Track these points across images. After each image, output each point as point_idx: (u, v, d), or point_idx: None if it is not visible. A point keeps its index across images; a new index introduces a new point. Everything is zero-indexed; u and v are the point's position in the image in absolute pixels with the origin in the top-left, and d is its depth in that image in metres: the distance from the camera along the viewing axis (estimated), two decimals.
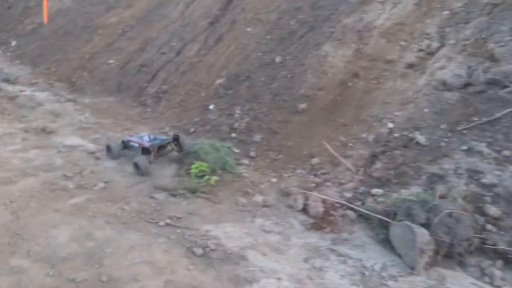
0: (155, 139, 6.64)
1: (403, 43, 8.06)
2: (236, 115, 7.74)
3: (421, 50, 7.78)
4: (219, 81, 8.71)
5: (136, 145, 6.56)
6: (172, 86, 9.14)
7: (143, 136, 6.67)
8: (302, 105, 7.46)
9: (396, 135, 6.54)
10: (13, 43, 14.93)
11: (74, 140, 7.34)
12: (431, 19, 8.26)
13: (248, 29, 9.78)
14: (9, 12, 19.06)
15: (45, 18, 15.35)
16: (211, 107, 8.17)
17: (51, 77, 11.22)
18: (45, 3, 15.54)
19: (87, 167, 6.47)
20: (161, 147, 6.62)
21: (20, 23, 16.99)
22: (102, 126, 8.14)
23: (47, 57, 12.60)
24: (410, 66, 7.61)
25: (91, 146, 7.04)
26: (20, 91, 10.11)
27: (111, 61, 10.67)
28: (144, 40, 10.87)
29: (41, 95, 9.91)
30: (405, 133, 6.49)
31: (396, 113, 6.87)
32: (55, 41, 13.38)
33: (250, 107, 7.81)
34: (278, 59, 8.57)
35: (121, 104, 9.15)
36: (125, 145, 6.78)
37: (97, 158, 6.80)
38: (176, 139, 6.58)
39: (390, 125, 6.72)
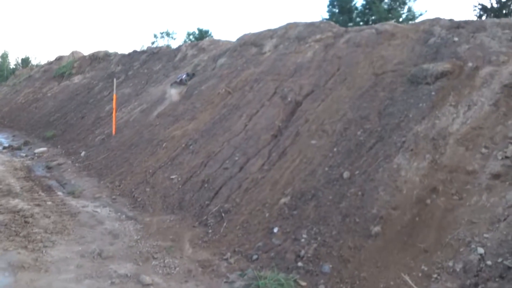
0: None
1: (484, 150, 7.33)
2: (303, 240, 7.08)
3: (506, 157, 6.97)
4: (283, 200, 8.18)
5: None
6: (234, 205, 8.69)
7: None
8: (376, 228, 6.74)
9: (489, 262, 5.61)
10: (83, 153, 15.37)
11: (130, 269, 6.89)
12: None
13: (313, 141, 9.39)
14: (82, 122, 20.07)
15: (113, 129, 15.86)
16: (276, 230, 7.58)
17: (114, 191, 11.16)
18: (114, 114, 16.14)
19: None
20: None
21: (91, 133, 17.70)
22: (160, 249, 7.71)
23: (113, 169, 12.72)
24: (496, 176, 6.78)
25: (147, 278, 6.53)
26: (83, 206, 10.02)
27: (173, 176, 10.50)
28: (207, 154, 10.70)
29: (102, 212, 9.75)
30: (499, 259, 5.56)
31: (485, 235, 5.98)
32: (121, 153, 13.59)
33: (318, 231, 7.15)
34: (346, 174, 8.01)
35: (182, 224, 8.75)
36: None
37: None
38: None
39: (481, 250, 5.80)
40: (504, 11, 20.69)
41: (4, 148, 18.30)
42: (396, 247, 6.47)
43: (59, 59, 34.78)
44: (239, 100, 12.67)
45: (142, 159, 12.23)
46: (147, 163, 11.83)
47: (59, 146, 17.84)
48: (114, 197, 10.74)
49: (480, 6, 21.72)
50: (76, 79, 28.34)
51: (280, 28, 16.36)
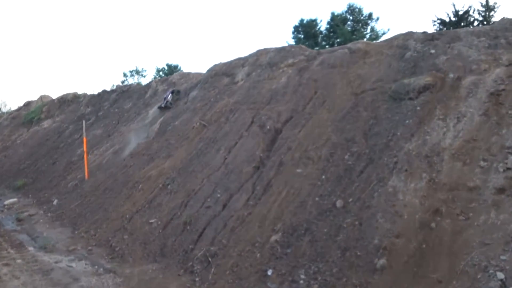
0: None
1: (483, 163, 6.89)
2: (301, 281, 6.47)
3: (508, 168, 6.52)
4: (274, 237, 7.57)
5: None
6: (221, 247, 8.02)
7: None
8: (381, 261, 6.18)
9: None
10: (55, 202, 14.51)
11: None
12: (507, 129, 7.14)
13: (299, 170, 8.85)
14: (53, 168, 19.16)
15: (86, 174, 15.08)
16: (270, 272, 6.94)
17: (90, 241, 10.38)
18: (85, 157, 15.38)
19: None
20: None
21: (63, 179, 16.84)
22: None
23: (87, 217, 11.93)
24: (501, 190, 6.31)
25: None
26: (56, 261, 9.20)
27: (152, 220, 9.80)
28: (187, 193, 10.05)
29: (78, 266, 8.94)
30: None
31: (502, 257, 5.45)
32: (96, 198, 12.83)
33: (317, 269, 6.55)
34: (339, 203, 7.47)
35: (165, 273, 8.03)
36: None
37: None
38: None
39: (500, 275, 5.25)
40: (462, 24, 20.84)
41: None
42: (406, 280, 5.89)
43: (28, 104, 33.78)
44: (215, 133, 12.12)
45: (117, 204, 11.49)
46: (123, 207, 11.10)
47: (30, 196, 16.88)
48: (90, 248, 9.95)
49: (439, 21, 21.88)
50: (46, 123, 27.41)
51: (251, 55, 15.98)
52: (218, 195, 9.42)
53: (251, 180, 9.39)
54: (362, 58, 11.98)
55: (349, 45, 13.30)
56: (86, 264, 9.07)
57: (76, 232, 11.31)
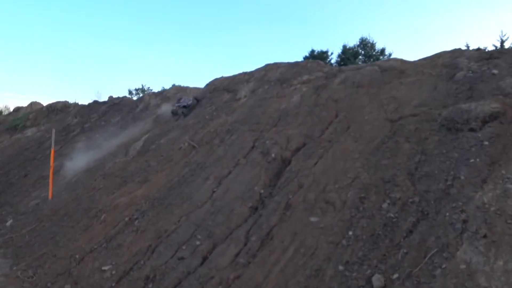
0: None
1: None
2: None
3: None
4: None
5: None
6: None
7: None
8: None
9: None
10: (8, 223, 11.93)
11: None
12: None
13: (313, 218, 6.24)
14: (23, 181, 16.74)
15: (49, 193, 12.52)
16: None
17: (23, 286, 7.73)
18: (51, 174, 12.82)
19: None
20: None
21: (27, 195, 14.34)
22: None
23: (34, 248, 9.31)
24: None
25: None
26: None
27: (106, 267, 7.13)
28: (157, 234, 7.39)
29: None
30: None
31: None
32: (51, 225, 10.23)
33: None
34: (377, 280, 4.80)
35: None
36: None
37: None
38: None
39: None
40: None
41: None
42: None
43: (17, 110, 31.73)
44: (205, 157, 9.55)
45: (71, 237, 8.86)
46: (77, 243, 8.46)
47: None
48: None
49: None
50: (30, 132, 25.07)
51: (258, 70, 13.58)
52: (197, 243, 6.77)
53: (244, 226, 6.75)
54: (397, 78, 9.55)
55: (378, 62, 10.90)
56: None
57: (14, 268, 8.68)
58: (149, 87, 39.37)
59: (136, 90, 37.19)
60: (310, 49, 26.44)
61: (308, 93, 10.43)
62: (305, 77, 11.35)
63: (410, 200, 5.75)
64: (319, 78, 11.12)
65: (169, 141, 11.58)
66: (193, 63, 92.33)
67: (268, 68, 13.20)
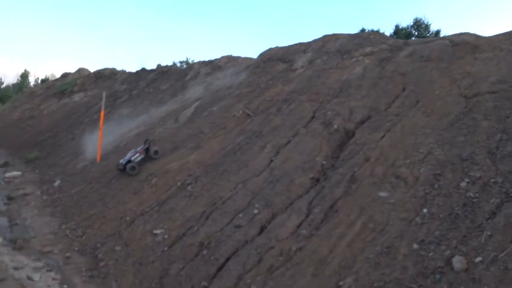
0: None
1: None
2: None
3: None
4: None
5: None
6: None
7: None
8: None
9: None
10: (57, 183, 11.98)
11: None
12: None
13: (382, 193, 5.81)
14: (70, 144, 16.89)
15: (98, 155, 12.48)
16: None
17: (73, 244, 7.68)
18: (100, 136, 12.74)
19: None
20: None
21: (75, 157, 14.38)
22: None
23: (83, 209, 9.26)
24: None
25: None
26: (17, 267, 6.50)
27: (158, 231, 6.94)
28: (211, 201, 7.13)
29: (41, 281, 6.23)
30: None
31: None
32: (100, 186, 10.16)
33: None
34: (458, 262, 4.31)
35: None
36: None
37: None
38: None
39: None
40: None
41: None
42: None
43: (65, 76, 32.25)
44: (261, 125, 9.20)
45: (121, 199, 8.73)
46: (126, 205, 8.32)
47: (37, 171, 14.45)
48: (69, 254, 7.23)
49: None
50: (77, 97, 25.40)
51: (316, 41, 13.04)
52: (255, 211, 6.46)
53: (306, 197, 6.39)
54: (471, 53, 8.88)
55: (449, 36, 10.19)
56: (53, 279, 6.34)
57: (63, 226, 8.65)
58: (193, 60, 38.93)
59: (181, 62, 36.83)
60: (361, 28, 25.10)
61: (372, 65, 9.88)
62: (368, 49, 10.78)
63: (492, 180, 5.23)
64: (383, 50, 10.52)
65: (221, 108, 11.27)
66: (238, 38, 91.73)
67: (327, 39, 12.65)
